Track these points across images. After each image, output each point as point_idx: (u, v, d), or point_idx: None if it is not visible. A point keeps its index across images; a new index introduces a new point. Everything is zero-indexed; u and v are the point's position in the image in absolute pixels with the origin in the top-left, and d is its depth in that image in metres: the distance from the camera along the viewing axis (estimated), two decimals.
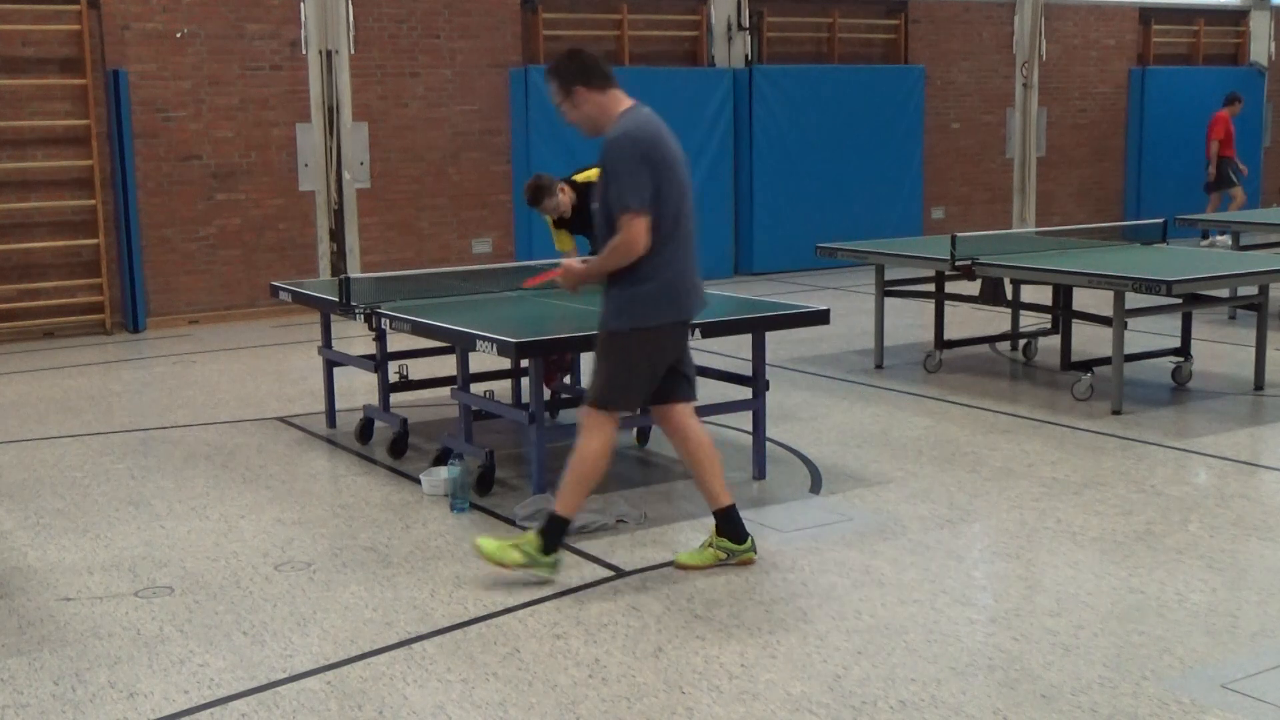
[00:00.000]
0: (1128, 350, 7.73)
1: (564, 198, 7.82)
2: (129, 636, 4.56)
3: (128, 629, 4.63)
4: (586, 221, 7.89)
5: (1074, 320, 8.53)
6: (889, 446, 6.99)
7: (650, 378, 5.01)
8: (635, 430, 7.09)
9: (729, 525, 5.14)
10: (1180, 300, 7.82)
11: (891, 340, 9.66)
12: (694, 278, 5.00)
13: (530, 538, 5.01)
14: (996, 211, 16.44)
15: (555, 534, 5.00)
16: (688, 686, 4.09)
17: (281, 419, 7.92)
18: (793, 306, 6.65)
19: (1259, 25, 18.20)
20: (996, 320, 10.19)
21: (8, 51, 10.97)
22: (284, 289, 7.84)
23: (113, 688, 4.15)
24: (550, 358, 7.03)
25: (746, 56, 14.35)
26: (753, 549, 5.17)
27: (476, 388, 6.70)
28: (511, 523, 5.71)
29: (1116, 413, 7.53)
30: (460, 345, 6.16)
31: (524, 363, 6.60)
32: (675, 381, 5.13)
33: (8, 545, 5.60)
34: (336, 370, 7.66)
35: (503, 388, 7.58)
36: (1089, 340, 9.10)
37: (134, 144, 11.38)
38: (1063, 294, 8.53)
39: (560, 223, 7.96)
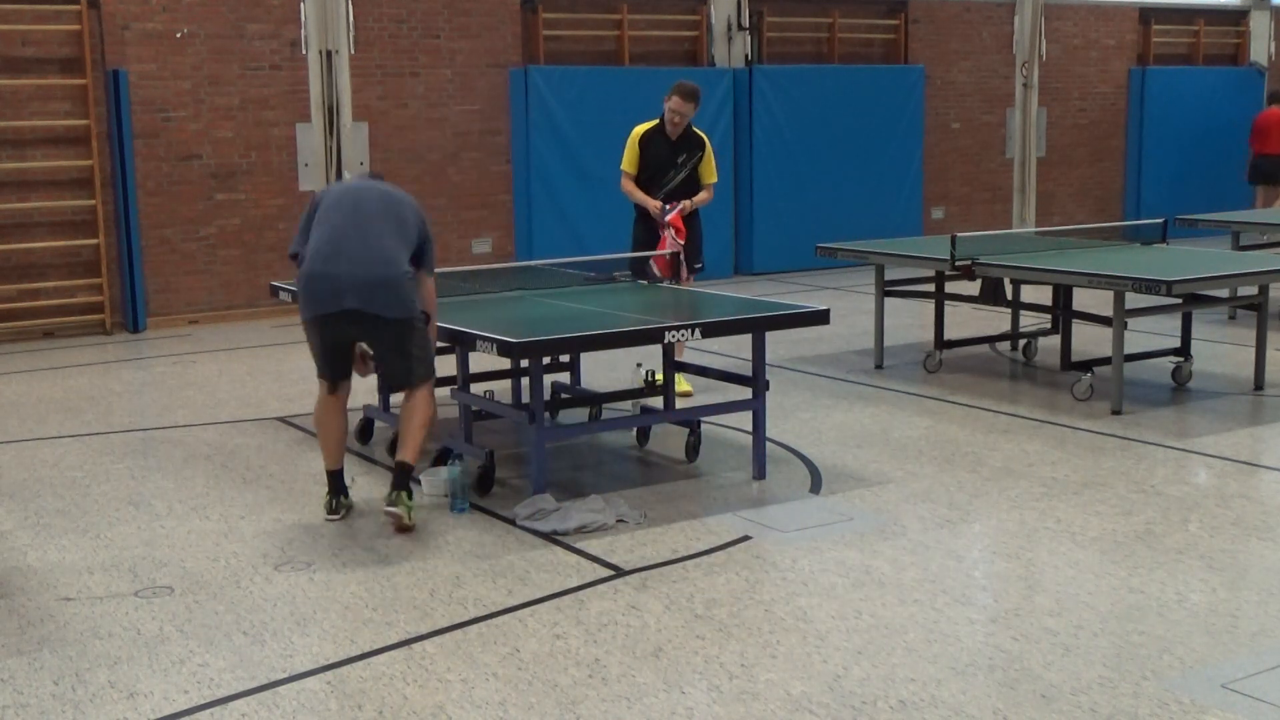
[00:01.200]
0: (1128, 350, 7.73)
1: (690, 115, 8.14)
2: (129, 636, 4.56)
3: (128, 629, 4.63)
4: (655, 166, 8.20)
5: (1074, 320, 8.52)
6: (889, 446, 6.99)
7: (322, 355, 5.84)
8: (635, 430, 7.10)
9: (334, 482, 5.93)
10: (1180, 300, 7.82)
11: (891, 340, 9.66)
12: (329, 278, 5.60)
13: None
14: (996, 211, 16.44)
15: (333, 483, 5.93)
16: (687, 686, 4.09)
17: (281, 419, 7.93)
18: (793, 306, 6.65)
19: (1259, 25, 18.19)
20: (996, 320, 10.19)
21: (8, 51, 10.97)
22: (284, 289, 7.82)
23: (113, 688, 4.15)
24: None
25: (746, 56, 14.34)
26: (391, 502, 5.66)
27: (476, 388, 6.71)
28: (511, 523, 5.71)
29: (1116, 413, 7.53)
30: (460, 345, 6.16)
31: (524, 363, 6.59)
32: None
33: (8, 545, 5.61)
34: None
35: (503, 388, 7.58)
36: (1089, 340, 9.10)
37: (134, 144, 11.37)
38: (1063, 294, 8.53)
39: (646, 143, 8.18)
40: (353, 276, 5.57)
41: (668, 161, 8.16)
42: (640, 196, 8.17)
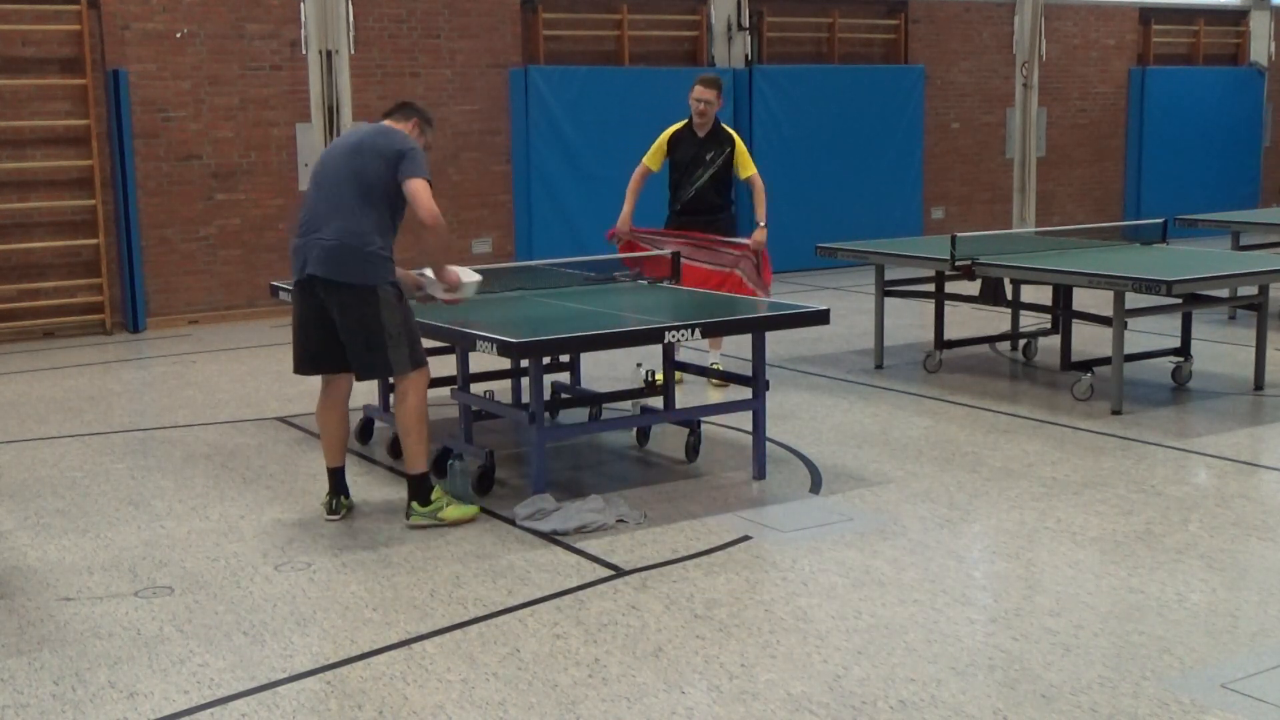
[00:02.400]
0: (1128, 350, 7.73)
1: (717, 107, 8.27)
2: (129, 636, 4.56)
3: (128, 629, 4.63)
4: (684, 164, 8.33)
5: (1074, 320, 8.52)
6: (889, 446, 6.99)
7: (296, 334, 5.90)
8: (635, 430, 7.10)
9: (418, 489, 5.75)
10: (1180, 300, 7.82)
11: (891, 340, 9.66)
12: (297, 251, 5.69)
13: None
14: (996, 211, 16.44)
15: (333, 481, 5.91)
16: (687, 686, 4.09)
17: (281, 419, 7.93)
18: (793, 306, 6.65)
19: (1259, 25, 18.20)
20: (996, 320, 10.19)
21: (8, 51, 10.97)
22: (284, 289, 7.83)
23: (113, 688, 4.15)
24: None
25: (746, 56, 14.35)
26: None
27: (476, 388, 6.71)
28: (511, 523, 5.71)
29: (1116, 413, 7.53)
30: (460, 345, 6.16)
31: (524, 363, 6.59)
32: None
33: (8, 545, 5.61)
34: None
35: (503, 388, 7.58)
36: (1089, 340, 9.10)
37: (134, 144, 11.38)
38: (1063, 294, 8.53)
39: (675, 144, 8.32)
40: (314, 245, 5.59)
41: (696, 158, 8.33)
42: (628, 202, 8.38)
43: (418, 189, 5.59)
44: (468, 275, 6.00)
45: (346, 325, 5.62)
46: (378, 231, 5.63)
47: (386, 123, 5.83)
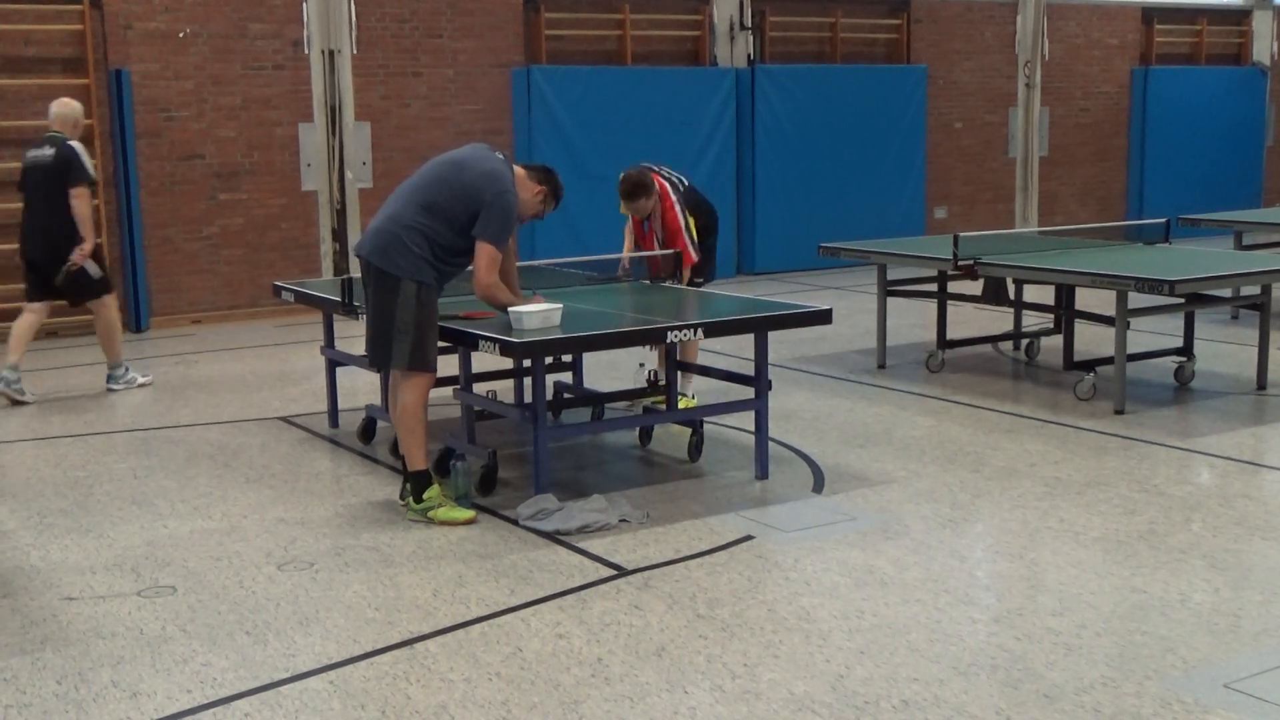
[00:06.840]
0: (1130, 350, 7.72)
1: (652, 205, 7.51)
2: (132, 636, 4.57)
3: (130, 628, 4.63)
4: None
5: (1077, 320, 8.52)
6: (892, 446, 6.99)
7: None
8: (638, 430, 7.10)
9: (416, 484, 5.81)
10: (1183, 300, 7.81)
11: (894, 340, 9.66)
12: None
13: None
14: (999, 211, 16.44)
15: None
16: (690, 686, 4.09)
17: (284, 419, 7.93)
18: (795, 306, 6.64)
19: (1262, 25, 18.19)
20: (999, 320, 10.18)
21: (10, 51, 10.98)
22: (286, 289, 7.85)
23: (115, 687, 4.15)
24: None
25: (749, 56, 14.35)
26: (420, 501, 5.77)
27: (479, 387, 6.71)
28: (514, 522, 5.71)
29: (1119, 412, 7.53)
30: (462, 345, 6.16)
31: (526, 362, 6.59)
32: None
33: (11, 545, 5.61)
34: (339, 370, 7.66)
35: (505, 387, 7.58)
36: (1091, 340, 9.10)
37: (136, 144, 11.39)
38: (1065, 294, 8.52)
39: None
40: (369, 228, 5.88)
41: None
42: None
43: (480, 251, 5.75)
44: (529, 318, 5.80)
45: (370, 307, 5.84)
46: (423, 234, 5.70)
47: (519, 168, 5.97)
